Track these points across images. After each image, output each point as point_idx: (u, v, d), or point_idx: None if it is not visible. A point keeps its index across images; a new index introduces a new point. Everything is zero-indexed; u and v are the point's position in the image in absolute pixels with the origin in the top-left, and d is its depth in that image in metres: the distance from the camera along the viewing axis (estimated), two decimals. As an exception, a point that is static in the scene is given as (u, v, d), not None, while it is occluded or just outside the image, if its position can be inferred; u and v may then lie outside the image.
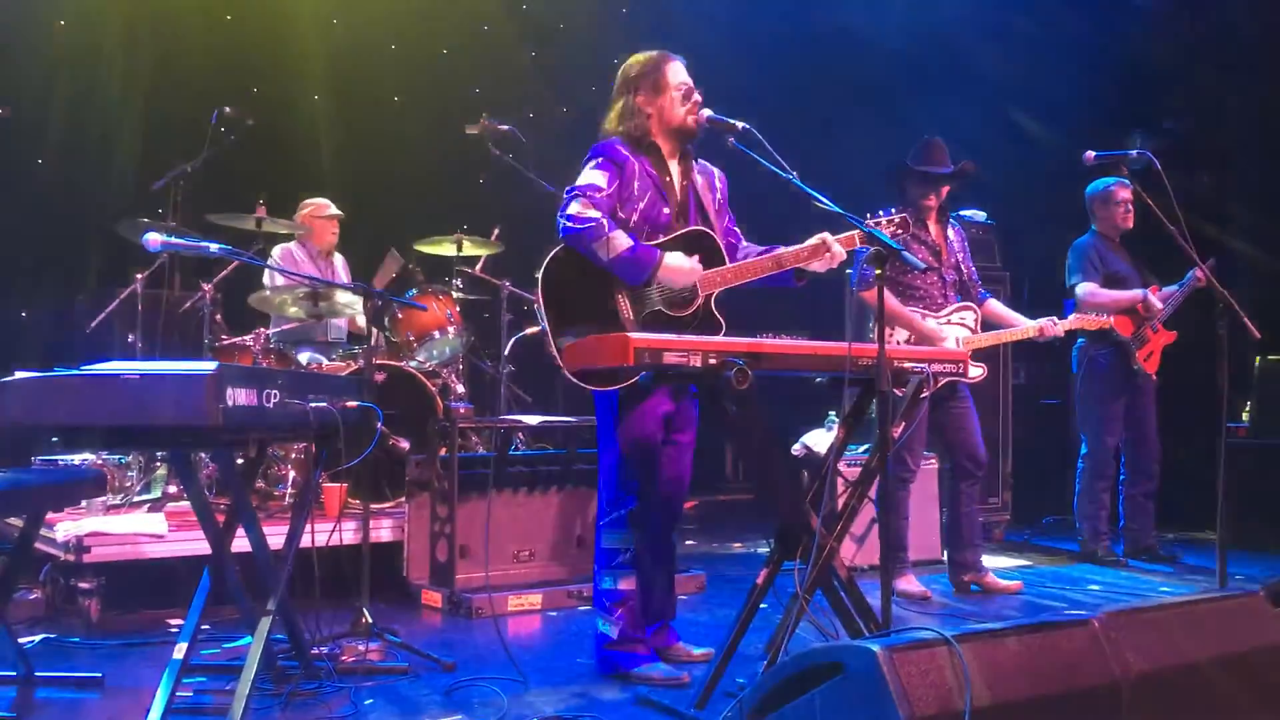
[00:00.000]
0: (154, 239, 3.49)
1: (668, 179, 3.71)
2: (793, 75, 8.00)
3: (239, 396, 2.75)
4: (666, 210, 3.67)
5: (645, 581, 3.74)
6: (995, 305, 5.24)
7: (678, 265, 3.52)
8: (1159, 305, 5.88)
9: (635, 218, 3.62)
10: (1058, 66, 7.59)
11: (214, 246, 3.64)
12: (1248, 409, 6.71)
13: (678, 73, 3.70)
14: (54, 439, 2.89)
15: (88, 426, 2.76)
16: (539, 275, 3.51)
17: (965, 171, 5.05)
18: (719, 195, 3.87)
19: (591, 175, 3.59)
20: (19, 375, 2.74)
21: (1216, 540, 4.26)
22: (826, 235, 3.58)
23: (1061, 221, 6.74)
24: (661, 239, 3.61)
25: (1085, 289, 5.86)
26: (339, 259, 6.48)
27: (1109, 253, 5.96)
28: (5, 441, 3.67)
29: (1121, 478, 6.10)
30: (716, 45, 7.64)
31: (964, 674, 2.09)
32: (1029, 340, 5.28)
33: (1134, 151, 4.45)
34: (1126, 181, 5.74)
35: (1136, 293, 5.87)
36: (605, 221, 3.48)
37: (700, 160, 3.84)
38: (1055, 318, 5.14)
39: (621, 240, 3.47)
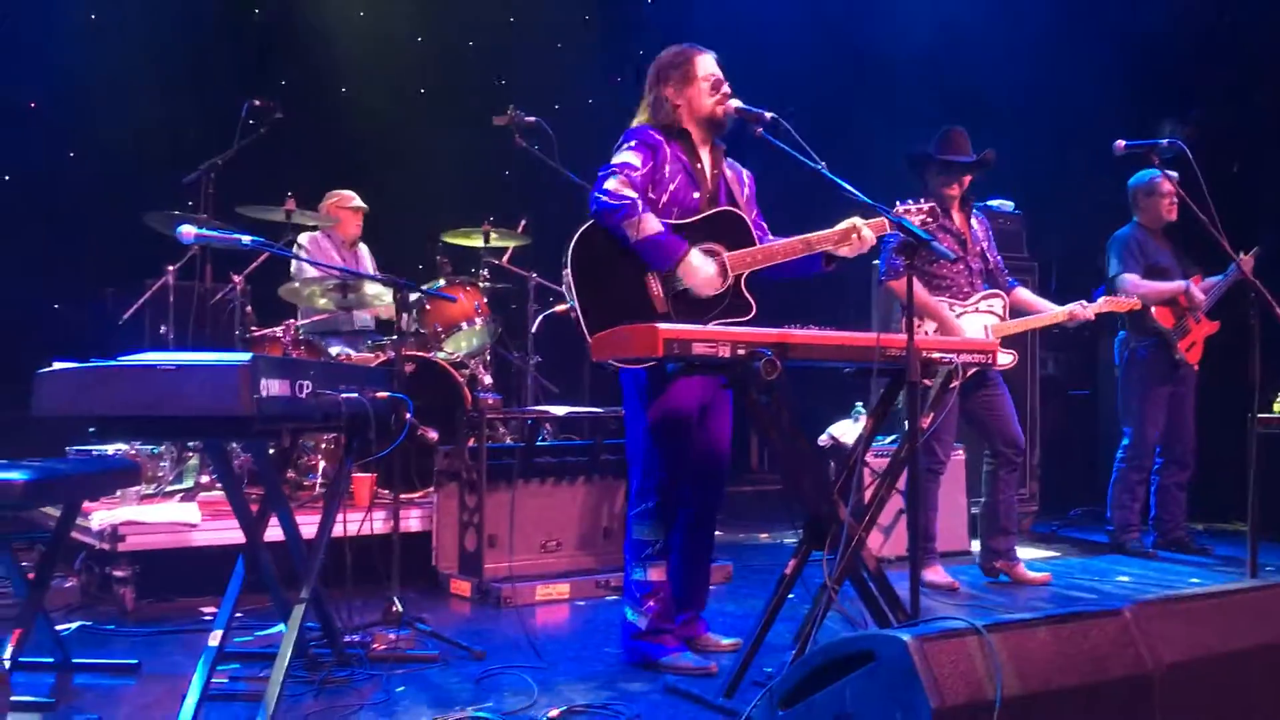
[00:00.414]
0: (188, 231, 3.52)
1: (699, 165, 3.73)
2: (817, 64, 7.97)
3: (273, 387, 2.78)
4: (697, 194, 3.68)
5: (678, 571, 3.76)
6: (1023, 293, 5.22)
7: (700, 268, 3.50)
8: (1201, 296, 5.85)
9: (665, 199, 3.63)
10: (1086, 54, 7.54)
11: (246, 239, 3.67)
12: (1278, 399, 6.66)
13: (706, 64, 3.71)
14: (91, 429, 2.92)
15: (124, 417, 2.79)
16: (569, 250, 3.51)
17: (987, 161, 5.03)
18: (747, 190, 3.89)
19: (626, 155, 3.61)
20: (57, 366, 2.78)
21: (1248, 531, 4.24)
22: (857, 220, 3.58)
23: (1090, 211, 6.70)
24: (692, 219, 3.62)
25: (1127, 280, 5.82)
26: (364, 249, 6.52)
27: (1151, 244, 5.93)
28: (42, 432, 3.72)
29: (1155, 466, 6.07)
30: (740, 36, 7.64)
31: (995, 664, 2.09)
32: (1059, 328, 5.26)
33: (1165, 140, 4.42)
34: (1171, 173, 5.72)
35: (1179, 284, 5.84)
36: (639, 203, 3.49)
37: (729, 159, 3.85)
38: (1084, 301, 5.12)
39: (652, 224, 3.48)
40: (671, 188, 3.65)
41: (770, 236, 3.83)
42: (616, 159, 3.61)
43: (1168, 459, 6.06)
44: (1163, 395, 5.94)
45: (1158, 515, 6.10)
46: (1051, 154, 7.31)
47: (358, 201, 6.38)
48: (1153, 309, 5.79)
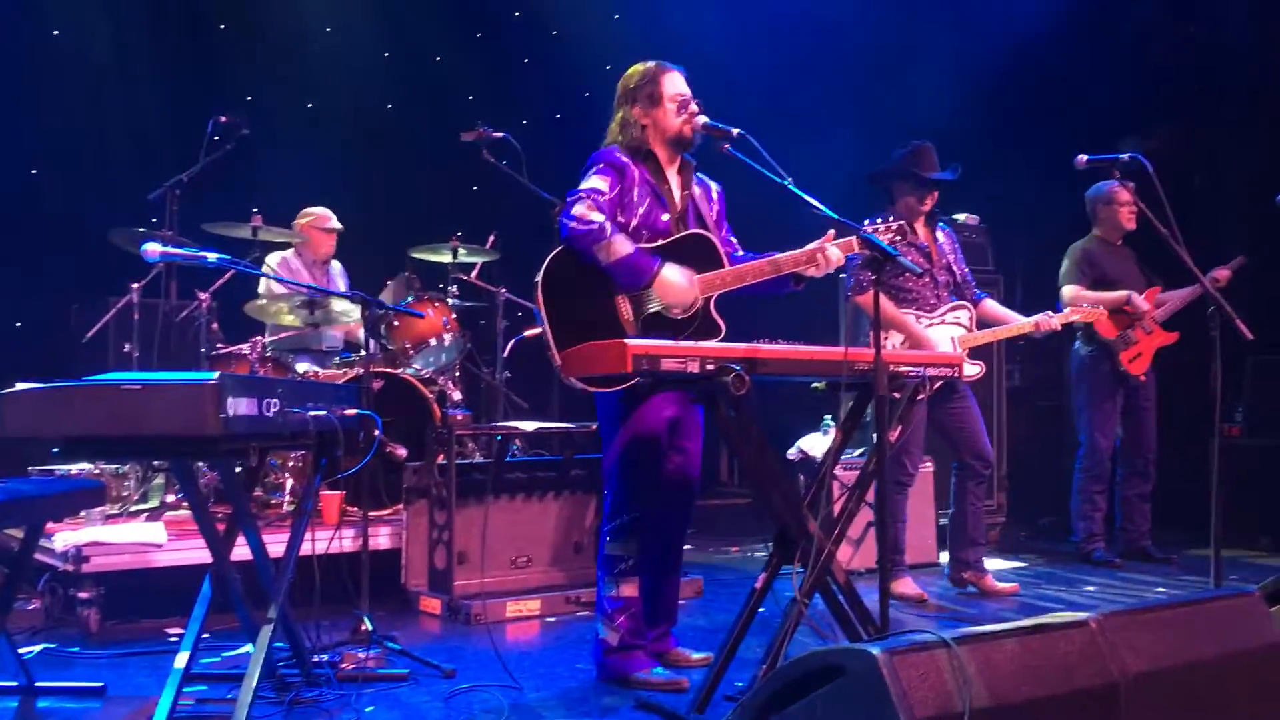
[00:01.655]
0: (153, 249, 3.50)
1: (666, 186, 3.74)
2: (784, 77, 8.03)
3: (240, 406, 2.76)
4: (665, 216, 3.69)
5: (649, 587, 3.76)
6: (991, 304, 5.26)
7: (674, 281, 3.52)
8: (1144, 307, 5.91)
9: (635, 222, 3.64)
10: (1050, 68, 7.63)
11: (212, 256, 3.65)
12: (1240, 409, 6.75)
13: (674, 83, 3.72)
14: (55, 450, 2.89)
15: (90, 437, 2.77)
16: (539, 275, 3.51)
17: (958, 177, 5.09)
18: (716, 207, 3.90)
19: (593, 180, 3.62)
20: (20, 387, 2.75)
21: (1211, 541, 4.28)
22: (824, 240, 3.60)
23: (1054, 224, 6.77)
24: (660, 243, 3.63)
25: (1068, 292, 5.92)
26: (336, 266, 6.49)
27: (1104, 256, 6.00)
28: (3, 451, 3.68)
29: (1117, 478, 6.13)
30: (707, 49, 7.67)
31: (963, 676, 2.11)
32: (1025, 339, 5.31)
33: (1126, 155, 4.47)
34: (1127, 182, 5.80)
35: (1118, 294, 5.89)
36: (608, 225, 3.50)
37: (699, 174, 3.86)
38: (1050, 312, 5.17)
39: (622, 245, 3.49)
40: (640, 210, 3.66)
41: (740, 252, 3.85)
42: (583, 184, 3.61)
43: (1129, 470, 6.13)
44: (1113, 405, 6.01)
45: (1122, 525, 6.17)
46: (1016, 168, 7.38)
47: (333, 223, 6.34)
48: (1095, 321, 5.85)
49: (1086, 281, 5.93)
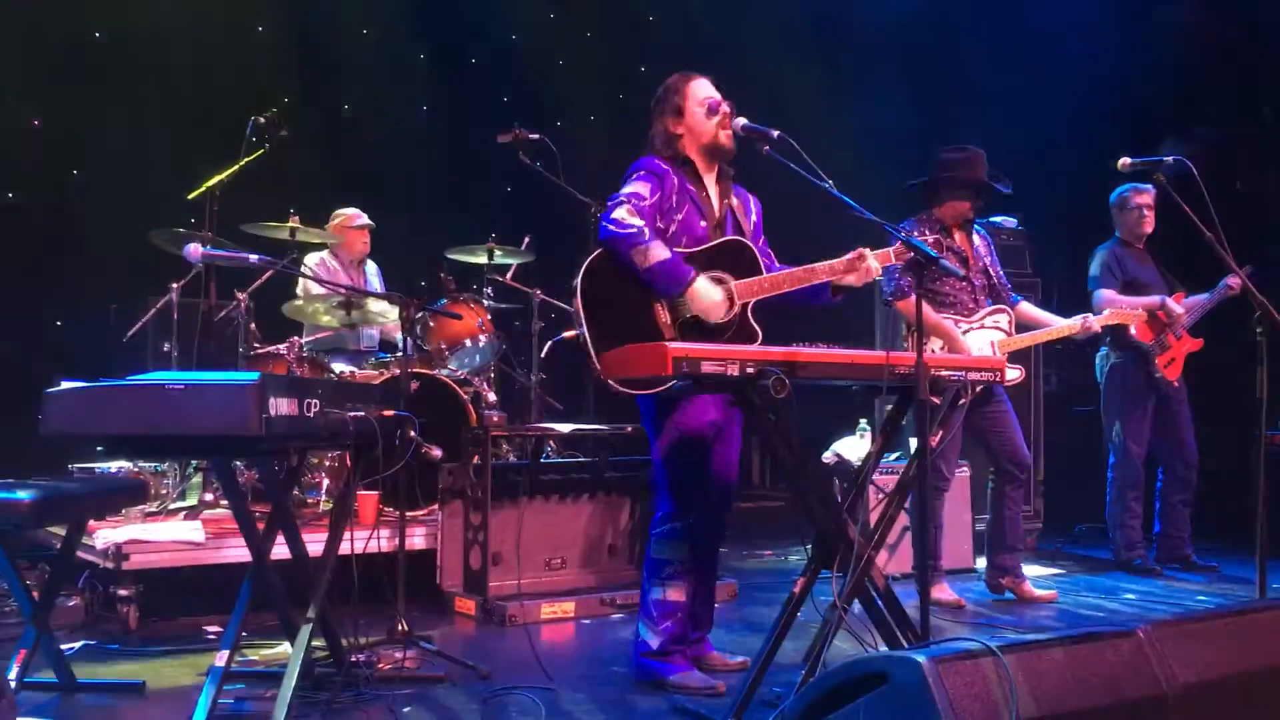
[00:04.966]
0: (195, 250, 3.53)
1: (705, 194, 3.73)
2: (822, 75, 8.00)
3: (281, 406, 2.78)
4: (704, 224, 3.69)
5: (690, 591, 3.74)
6: (1028, 307, 5.21)
7: (706, 294, 3.49)
8: (1178, 311, 5.84)
9: (674, 229, 3.64)
10: (1090, 70, 7.56)
11: (253, 257, 3.68)
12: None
13: (699, 89, 3.72)
14: (99, 448, 2.92)
15: (132, 436, 2.80)
16: (578, 279, 3.50)
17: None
18: (754, 220, 3.89)
19: (634, 185, 3.63)
20: (65, 386, 2.78)
21: (1257, 549, 4.21)
22: (865, 250, 3.58)
23: (1093, 227, 6.69)
24: (700, 248, 3.62)
25: (1101, 296, 5.85)
26: (372, 266, 6.52)
27: (1129, 259, 5.94)
28: (45, 450, 3.71)
29: (1158, 484, 6.06)
30: (742, 48, 7.67)
31: (1010, 685, 2.08)
32: (1063, 343, 5.25)
33: (1170, 157, 4.41)
34: (1144, 186, 5.73)
35: (1154, 299, 5.83)
36: (647, 230, 3.49)
37: (737, 185, 3.86)
38: (1091, 314, 5.12)
39: (659, 251, 3.48)
40: (679, 217, 3.65)
41: (776, 264, 3.83)
42: (624, 189, 3.62)
43: (1169, 476, 6.05)
44: (1145, 411, 5.94)
45: (1162, 531, 6.09)
46: (1056, 169, 7.32)
47: (363, 219, 6.37)
48: (1132, 325, 5.78)
49: (1117, 284, 5.87)
